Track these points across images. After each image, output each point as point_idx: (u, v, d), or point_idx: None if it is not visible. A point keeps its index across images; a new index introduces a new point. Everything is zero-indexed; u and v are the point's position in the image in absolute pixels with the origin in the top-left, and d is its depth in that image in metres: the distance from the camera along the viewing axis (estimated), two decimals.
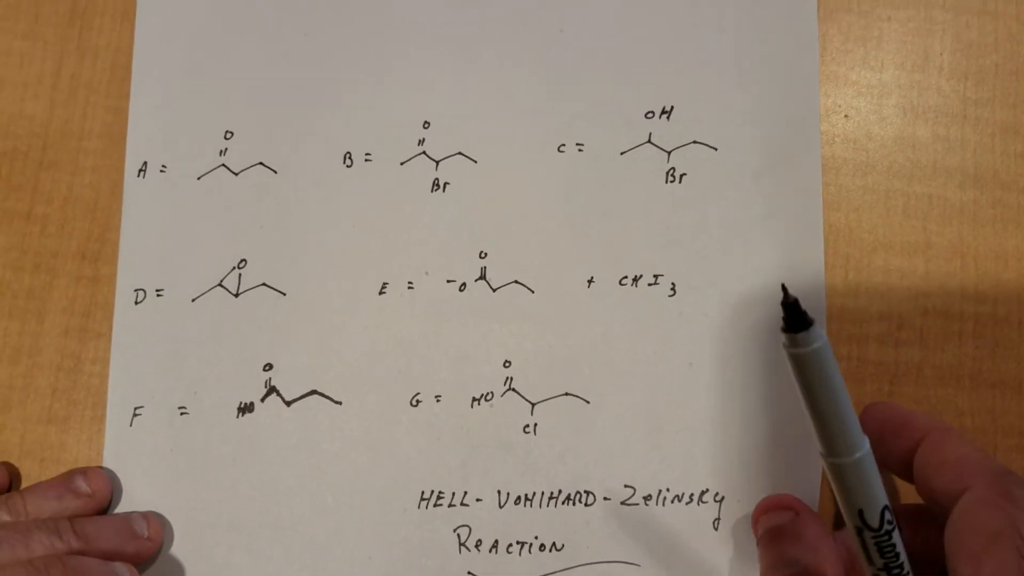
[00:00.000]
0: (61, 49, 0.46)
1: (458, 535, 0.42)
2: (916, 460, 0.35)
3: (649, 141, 0.44)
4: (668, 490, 0.42)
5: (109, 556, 0.39)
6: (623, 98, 0.45)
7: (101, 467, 0.42)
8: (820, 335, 0.29)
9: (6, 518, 0.39)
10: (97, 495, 0.41)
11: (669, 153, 0.44)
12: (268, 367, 0.43)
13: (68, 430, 0.43)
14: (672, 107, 0.45)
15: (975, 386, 0.43)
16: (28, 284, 0.44)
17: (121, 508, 0.42)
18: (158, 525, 0.41)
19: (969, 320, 0.43)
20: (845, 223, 0.44)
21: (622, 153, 0.44)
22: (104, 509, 0.42)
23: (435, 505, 0.42)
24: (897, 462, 0.36)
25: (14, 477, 0.43)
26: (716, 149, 0.44)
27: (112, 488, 0.42)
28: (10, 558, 0.36)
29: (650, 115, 0.45)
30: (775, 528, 0.39)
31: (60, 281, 0.44)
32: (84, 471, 0.41)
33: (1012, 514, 0.30)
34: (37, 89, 0.46)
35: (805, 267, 0.43)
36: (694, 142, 0.44)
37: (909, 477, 0.36)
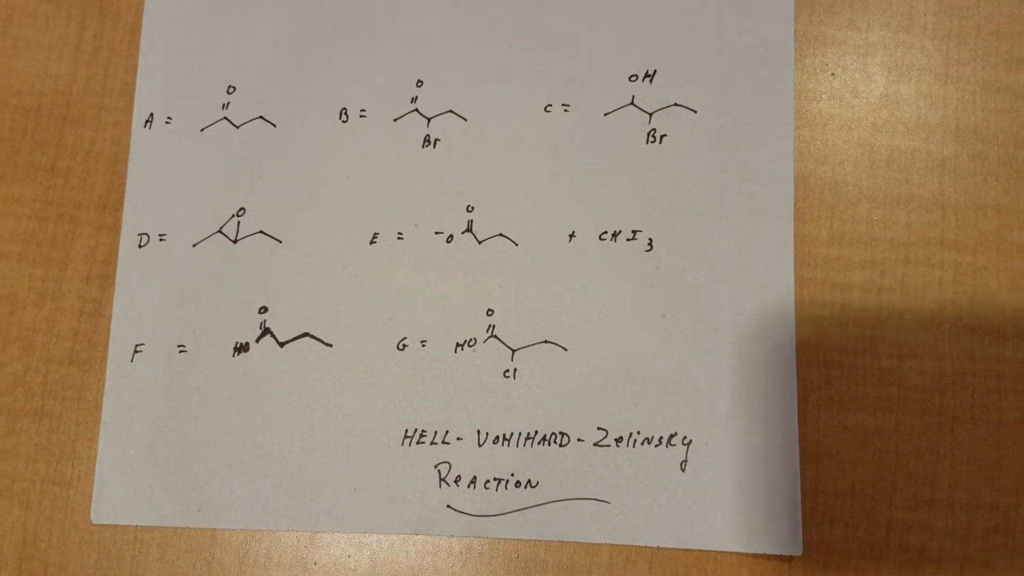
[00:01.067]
0: (84, 11, 0.49)
1: (439, 471, 0.43)
2: None
3: (632, 103, 0.46)
4: (639, 433, 0.43)
5: None
6: (608, 61, 0.46)
7: None
8: None
9: None
10: None
11: (651, 115, 0.46)
12: (263, 310, 0.45)
13: (89, 370, 0.46)
14: (655, 71, 0.46)
15: (955, 332, 0.43)
16: (52, 233, 0.47)
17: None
18: None
19: (949, 268, 0.44)
20: (831, 176, 0.45)
21: (606, 114, 0.46)
22: None
23: (418, 443, 0.44)
24: None
25: None
26: (696, 112, 0.46)
27: None
28: None
29: (634, 78, 0.46)
30: None
31: (82, 230, 0.47)
32: None
33: None
34: (62, 50, 0.49)
35: (775, 226, 0.44)
36: (675, 104, 0.46)
37: None
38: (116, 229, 0.47)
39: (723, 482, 0.42)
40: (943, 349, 0.43)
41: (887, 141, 0.45)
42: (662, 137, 0.45)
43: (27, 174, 0.47)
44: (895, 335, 0.44)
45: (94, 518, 0.44)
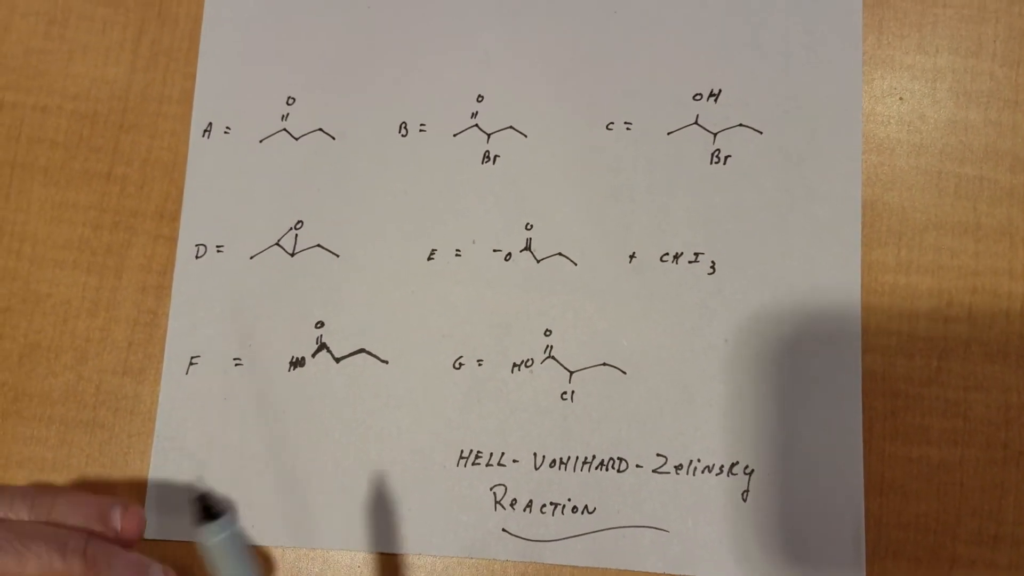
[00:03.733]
0: (142, 16, 0.48)
1: (494, 493, 0.43)
2: None
3: (696, 123, 0.45)
4: (699, 460, 0.42)
5: None
6: (672, 80, 0.46)
7: (140, 507, 0.40)
8: (228, 525, 0.33)
9: (24, 515, 0.36)
10: (124, 534, 0.38)
11: (715, 135, 0.45)
12: (320, 324, 0.45)
13: (143, 382, 0.45)
14: (720, 90, 0.46)
15: (1022, 363, 0.43)
16: (107, 241, 0.46)
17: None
18: None
19: (1017, 299, 0.43)
20: (898, 202, 0.44)
21: (669, 133, 0.45)
22: (130, 546, 0.38)
23: (473, 464, 0.43)
24: None
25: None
26: (761, 132, 0.45)
27: (142, 529, 0.39)
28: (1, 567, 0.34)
29: (698, 97, 0.46)
30: None
31: (138, 239, 0.46)
32: (124, 506, 0.38)
33: None
34: (119, 54, 0.48)
35: (842, 250, 0.44)
36: (740, 125, 0.45)
37: None
38: (173, 239, 0.46)
39: (785, 513, 0.42)
40: (1010, 381, 0.43)
41: (955, 168, 0.44)
42: (726, 158, 0.45)
43: (83, 181, 0.47)
44: (961, 366, 0.43)
45: (145, 533, 0.43)
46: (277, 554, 0.43)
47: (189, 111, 0.47)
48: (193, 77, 0.47)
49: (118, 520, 0.38)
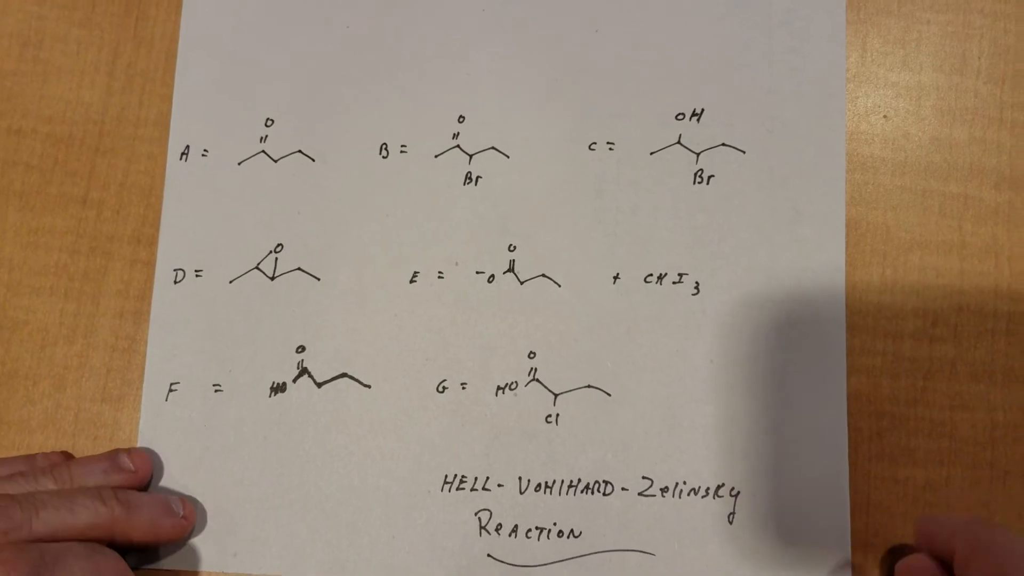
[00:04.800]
0: (117, 38, 0.48)
1: (479, 518, 0.43)
2: None
3: (679, 142, 0.45)
4: (684, 483, 0.42)
5: (147, 528, 0.40)
6: (655, 99, 0.46)
7: (144, 447, 0.44)
8: None
9: (52, 486, 0.40)
10: (139, 472, 0.42)
11: (698, 155, 0.45)
12: (301, 349, 0.44)
13: (122, 409, 0.45)
14: (703, 109, 0.45)
15: (1007, 382, 0.43)
16: (84, 267, 0.46)
17: (157, 483, 0.43)
18: (192, 508, 0.43)
19: (1002, 318, 0.43)
20: (882, 221, 0.44)
21: (652, 153, 0.45)
22: (144, 487, 0.43)
23: (458, 488, 0.43)
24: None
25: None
26: (744, 152, 0.45)
27: (152, 467, 0.43)
28: (56, 521, 0.38)
29: (680, 117, 0.45)
30: None
31: (115, 264, 0.46)
32: (128, 450, 0.43)
33: None
34: (94, 77, 0.48)
35: (827, 270, 0.44)
36: (723, 144, 0.45)
37: None
38: (150, 264, 0.46)
39: (772, 535, 0.41)
40: (996, 401, 0.43)
41: (939, 187, 0.44)
42: (709, 178, 0.44)
43: (59, 205, 0.46)
44: (947, 386, 0.43)
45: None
46: None
47: (166, 134, 0.47)
48: (170, 99, 0.47)
49: (128, 462, 0.42)
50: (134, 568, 0.40)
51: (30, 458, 0.43)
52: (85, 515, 0.38)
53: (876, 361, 0.43)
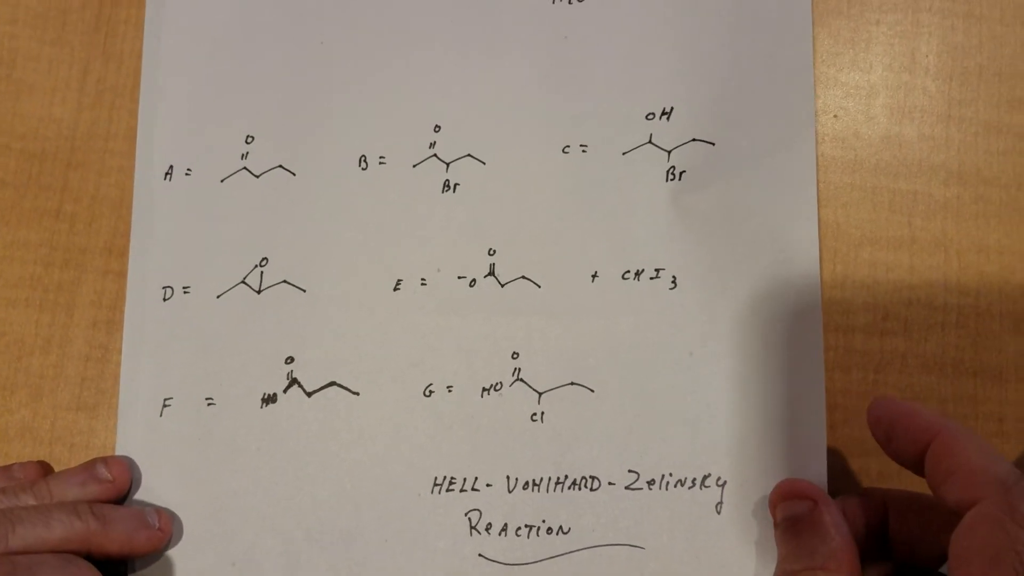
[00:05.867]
0: (87, 55, 0.48)
1: (469, 519, 0.44)
2: (926, 465, 0.35)
3: (650, 142, 0.46)
4: (671, 475, 0.44)
5: (123, 541, 0.41)
6: (624, 101, 0.47)
7: (122, 456, 0.44)
8: None
9: (31, 502, 0.41)
10: (117, 481, 0.43)
11: (669, 152, 0.46)
12: (290, 360, 0.45)
13: (97, 416, 0.45)
14: (672, 108, 0.47)
15: (957, 374, 0.45)
16: (58, 279, 0.46)
17: (144, 496, 0.44)
18: (168, 519, 0.43)
19: (952, 311, 0.45)
20: (833, 219, 0.46)
21: (624, 153, 0.46)
22: (123, 496, 0.44)
23: (447, 490, 0.44)
24: (910, 462, 0.36)
25: (48, 470, 0.45)
26: (713, 144, 0.46)
27: (131, 475, 0.44)
28: (32, 536, 0.39)
29: (651, 116, 0.47)
30: (793, 517, 0.40)
31: (88, 276, 0.46)
32: (105, 460, 0.44)
33: (1014, 534, 0.30)
34: (65, 93, 0.48)
35: (800, 259, 0.45)
36: (693, 139, 0.46)
37: (923, 475, 0.36)
38: (122, 274, 0.46)
39: (760, 523, 0.43)
40: (946, 393, 0.45)
41: (889, 183, 0.46)
42: (681, 173, 0.46)
43: (32, 219, 0.47)
44: (897, 378, 0.45)
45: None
46: None
47: (134, 147, 0.47)
48: (138, 114, 0.47)
49: (106, 472, 0.43)
50: None
51: (6, 469, 0.44)
52: (60, 530, 0.39)
53: (828, 355, 0.45)
